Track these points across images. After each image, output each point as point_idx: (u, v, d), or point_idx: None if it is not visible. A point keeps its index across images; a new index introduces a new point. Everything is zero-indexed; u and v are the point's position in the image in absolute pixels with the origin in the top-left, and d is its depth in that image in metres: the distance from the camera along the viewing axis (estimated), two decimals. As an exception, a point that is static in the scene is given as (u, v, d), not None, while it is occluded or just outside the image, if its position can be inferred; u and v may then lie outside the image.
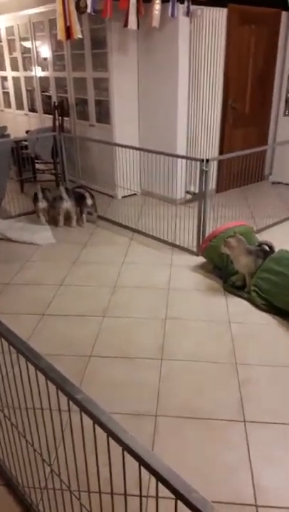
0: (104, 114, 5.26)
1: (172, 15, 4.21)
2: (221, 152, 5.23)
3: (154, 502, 1.05)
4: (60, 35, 4.31)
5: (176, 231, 4.30)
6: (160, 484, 0.85)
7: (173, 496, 0.83)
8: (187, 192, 5.08)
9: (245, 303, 3.07)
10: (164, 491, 0.85)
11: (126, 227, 4.44)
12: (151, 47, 4.78)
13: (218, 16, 4.52)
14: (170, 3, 4.16)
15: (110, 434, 0.93)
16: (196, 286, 3.32)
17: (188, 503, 0.81)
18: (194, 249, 3.83)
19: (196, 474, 1.79)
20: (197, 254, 3.75)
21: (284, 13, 5.21)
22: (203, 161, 3.44)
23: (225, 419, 2.06)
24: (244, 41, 5.00)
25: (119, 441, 0.92)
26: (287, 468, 1.80)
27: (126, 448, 0.92)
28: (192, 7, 4.31)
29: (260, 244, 3.20)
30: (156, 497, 0.94)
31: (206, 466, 1.83)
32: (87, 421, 0.99)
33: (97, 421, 0.95)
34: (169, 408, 2.13)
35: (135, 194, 5.54)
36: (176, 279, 3.42)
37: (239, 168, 5.32)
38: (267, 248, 3.18)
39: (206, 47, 4.56)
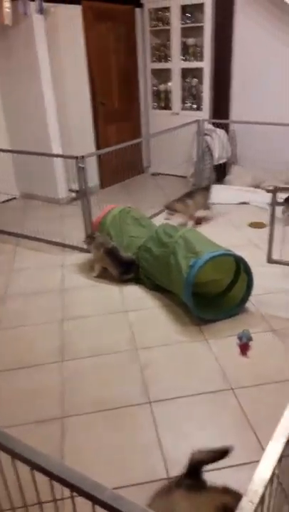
0: None
1: (25, 12, 4.10)
2: (98, 148, 5.27)
3: (64, 505, 1.03)
4: None
5: (63, 231, 4.24)
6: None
7: (69, 494, 0.82)
8: (70, 190, 5.04)
9: (138, 290, 3.16)
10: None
11: (10, 233, 4.23)
12: (8, 46, 4.59)
13: (73, 13, 4.52)
14: (20, 0, 4.04)
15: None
16: (90, 282, 3.32)
17: (81, 492, 0.81)
18: (84, 247, 3.81)
19: (112, 464, 1.80)
20: (88, 251, 3.74)
21: (137, 10, 5.42)
22: (77, 158, 3.42)
23: (132, 405, 2.11)
24: (103, 38, 5.09)
25: (6, 450, 0.88)
26: (192, 436, 1.92)
27: (15, 455, 0.88)
28: (45, 4, 4.24)
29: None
30: (54, 498, 0.92)
31: (119, 455, 1.85)
32: None
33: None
34: (76, 407, 2.11)
35: (15, 198, 5.32)
36: (70, 279, 3.39)
37: (119, 163, 5.43)
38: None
39: (66, 44, 4.55)
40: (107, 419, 2.03)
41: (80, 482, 0.82)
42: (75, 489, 0.82)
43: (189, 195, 4.24)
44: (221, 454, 1.25)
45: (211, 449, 1.29)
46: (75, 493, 0.85)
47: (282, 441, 0.87)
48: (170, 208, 4.10)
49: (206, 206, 4.36)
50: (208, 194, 4.37)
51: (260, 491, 0.73)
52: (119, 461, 1.82)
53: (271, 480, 0.82)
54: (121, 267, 3.21)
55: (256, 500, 0.71)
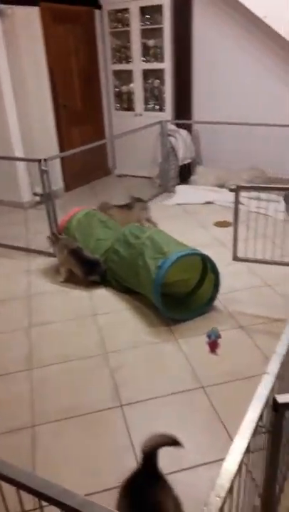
0: None
1: (-19, 13, 4.01)
2: (62, 151, 5.21)
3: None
4: None
5: (28, 236, 4.17)
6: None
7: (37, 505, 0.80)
8: (34, 194, 4.96)
9: (106, 293, 3.14)
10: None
11: (-29, 241, 4.12)
12: None
13: (31, 14, 4.46)
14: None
15: None
16: (57, 287, 3.27)
17: (50, 499, 0.80)
18: (51, 251, 3.76)
19: (85, 471, 1.78)
20: (53, 256, 3.69)
21: (96, 12, 5.41)
22: (40, 160, 3.37)
23: (103, 409, 2.09)
24: (63, 40, 5.05)
25: None
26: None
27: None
28: (1, 6, 4.16)
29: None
30: (22, 510, 0.90)
31: (92, 460, 1.83)
32: None
33: None
34: (46, 415, 2.07)
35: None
36: (37, 285, 3.33)
37: (83, 165, 5.40)
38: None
39: (25, 46, 4.48)
40: (79, 425, 2.01)
41: (48, 490, 0.80)
42: (44, 497, 0.80)
43: (128, 205, 4.00)
44: (173, 441, 1.29)
45: (162, 433, 1.31)
46: (44, 502, 0.83)
47: (248, 434, 0.88)
48: (103, 210, 3.85)
49: (152, 222, 4.02)
50: (146, 208, 4.06)
51: (227, 485, 0.74)
52: (92, 466, 1.80)
53: (238, 473, 0.83)
54: (84, 266, 3.18)
55: (223, 494, 0.72)
